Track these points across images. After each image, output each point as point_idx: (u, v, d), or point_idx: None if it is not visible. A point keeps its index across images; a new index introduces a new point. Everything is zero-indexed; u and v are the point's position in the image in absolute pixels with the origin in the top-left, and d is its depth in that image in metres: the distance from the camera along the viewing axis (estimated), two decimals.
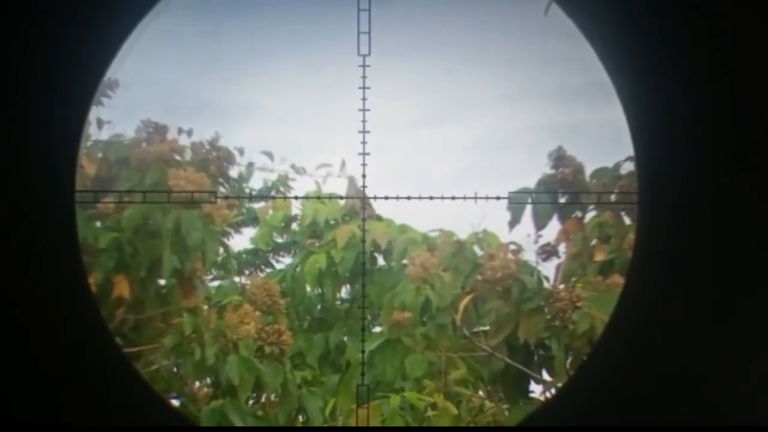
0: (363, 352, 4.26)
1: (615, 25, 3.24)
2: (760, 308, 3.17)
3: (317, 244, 5.85)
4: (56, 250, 3.15)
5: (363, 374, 4.14)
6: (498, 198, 3.88)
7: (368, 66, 3.86)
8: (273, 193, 5.96)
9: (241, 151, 5.60)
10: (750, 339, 3.17)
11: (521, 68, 5.43)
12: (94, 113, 5.27)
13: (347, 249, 5.73)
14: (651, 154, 3.24)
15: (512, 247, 5.26)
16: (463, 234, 5.38)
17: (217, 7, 5.40)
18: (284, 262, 6.20)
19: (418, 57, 5.39)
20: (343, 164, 5.69)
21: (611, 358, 3.24)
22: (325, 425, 5.25)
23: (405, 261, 5.57)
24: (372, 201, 5.75)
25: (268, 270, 6.18)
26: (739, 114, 3.19)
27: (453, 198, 4.00)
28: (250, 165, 5.77)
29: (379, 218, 5.84)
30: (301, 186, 5.92)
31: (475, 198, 3.99)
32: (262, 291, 5.33)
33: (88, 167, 5.11)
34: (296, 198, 5.97)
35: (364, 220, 5.05)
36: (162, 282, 5.22)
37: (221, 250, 5.52)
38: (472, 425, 5.24)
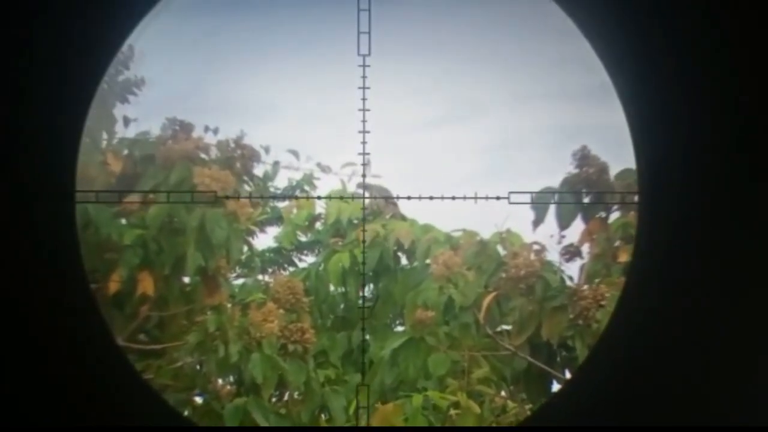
0: (363, 350, 4.23)
1: (615, 25, 3.24)
2: (760, 308, 3.17)
3: (341, 243, 5.86)
4: (56, 250, 3.15)
5: (363, 374, 4.13)
6: (498, 198, 3.88)
7: (368, 66, 3.86)
8: (298, 192, 5.97)
9: (267, 150, 5.61)
10: (750, 339, 3.16)
11: (522, 68, 5.41)
12: (120, 111, 5.32)
13: (371, 248, 5.73)
14: (651, 154, 3.24)
15: (536, 246, 5.26)
16: (486, 234, 5.38)
17: (217, 7, 5.41)
18: (308, 260, 6.21)
19: (418, 57, 5.39)
20: (368, 162, 5.70)
21: (611, 358, 3.24)
22: (348, 425, 5.26)
23: (428, 260, 5.57)
24: (395, 201, 5.79)
25: (292, 269, 6.19)
26: (739, 114, 3.19)
27: (453, 198, 4.00)
28: (276, 163, 5.79)
29: (402, 218, 5.85)
30: (326, 185, 5.92)
31: (475, 198, 3.98)
32: (286, 289, 5.34)
33: (113, 164, 5.14)
34: (319, 198, 5.97)
35: (363, 219, 5.04)
36: (186, 279, 5.24)
37: (245, 248, 5.53)
38: (494, 425, 5.24)
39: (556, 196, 4.97)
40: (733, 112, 3.19)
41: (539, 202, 5.11)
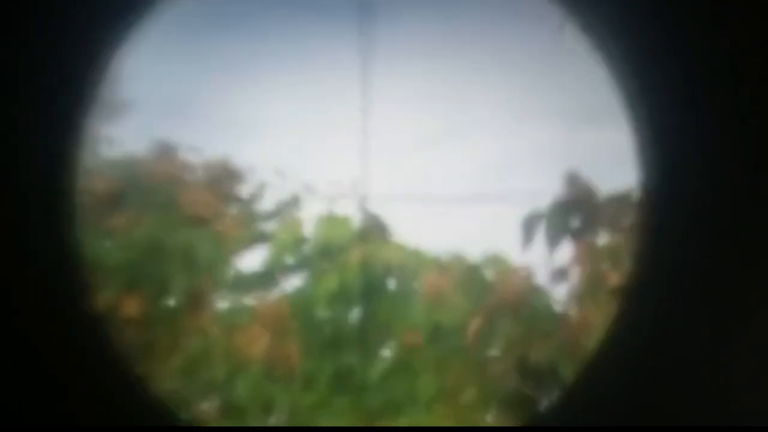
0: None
1: (615, 24, 3.23)
2: (762, 308, 3.16)
3: (327, 267, 5.83)
4: (56, 251, 3.14)
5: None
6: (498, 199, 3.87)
7: (368, 67, 3.85)
8: (284, 213, 5.93)
9: (253, 170, 5.58)
10: (752, 339, 3.15)
11: (525, 72, 5.39)
12: (105, 131, 5.29)
13: (359, 271, 5.70)
14: (652, 155, 3.24)
15: (523, 271, 5.25)
16: (475, 257, 5.36)
17: (216, 7, 5.40)
18: (295, 283, 6.16)
19: (418, 58, 5.37)
20: (354, 183, 5.67)
21: (612, 361, 3.23)
22: None
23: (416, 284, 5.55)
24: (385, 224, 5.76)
25: (279, 291, 6.15)
26: (741, 114, 3.19)
27: (453, 198, 3.99)
28: (262, 185, 5.76)
29: (390, 240, 5.82)
30: (313, 205, 5.88)
31: (475, 199, 3.97)
32: (272, 312, 5.31)
33: (99, 185, 5.12)
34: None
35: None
36: (171, 302, 5.21)
37: (231, 269, 5.50)
38: None
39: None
40: (736, 114, 3.19)
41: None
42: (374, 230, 5.84)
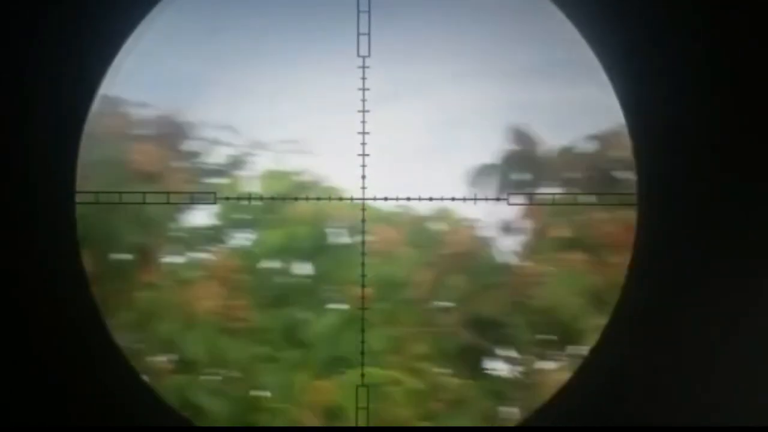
0: (363, 353, 4.21)
1: (614, 27, 3.26)
2: (760, 308, 3.20)
3: (276, 220, 5.82)
4: (56, 250, 3.15)
5: (363, 375, 4.11)
6: (498, 199, 3.91)
7: (368, 67, 3.86)
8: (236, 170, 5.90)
9: (202, 126, 5.56)
10: (750, 339, 3.19)
11: (523, 69, 5.42)
12: None
13: (307, 225, 5.71)
14: (650, 155, 3.27)
15: (474, 223, 5.28)
16: (425, 210, 5.39)
17: (216, 7, 5.37)
18: (245, 237, 6.15)
19: (417, 58, 5.38)
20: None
21: (611, 358, 3.26)
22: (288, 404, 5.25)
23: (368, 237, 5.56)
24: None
25: (230, 246, 6.14)
26: (739, 114, 3.22)
27: (453, 199, 4.01)
28: (213, 140, 5.73)
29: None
30: (263, 161, 5.87)
31: (475, 199, 4.00)
32: (224, 267, 5.31)
33: None
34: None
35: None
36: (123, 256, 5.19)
37: (181, 225, 5.49)
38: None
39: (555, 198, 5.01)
40: (733, 113, 3.22)
41: (539, 203, 5.15)
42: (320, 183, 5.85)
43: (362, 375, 4.02)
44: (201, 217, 5.92)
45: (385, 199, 3.98)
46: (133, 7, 3.23)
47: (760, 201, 3.21)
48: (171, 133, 5.33)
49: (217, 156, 5.80)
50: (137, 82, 5.10)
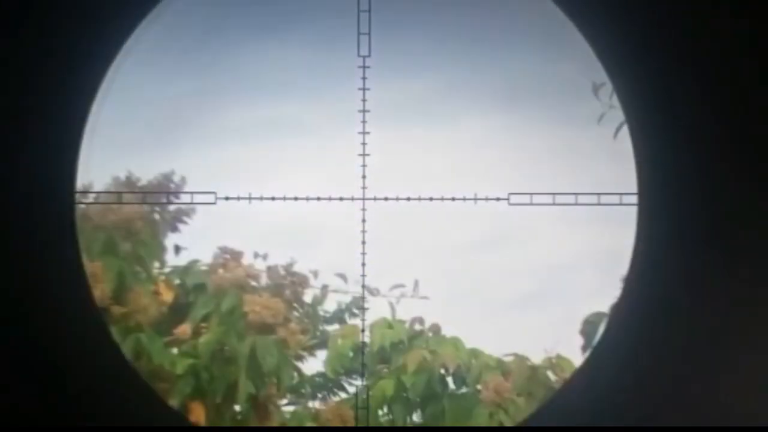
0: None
1: (615, 25, 3.27)
2: (761, 308, 3.15)
3: (386, 370, 5.83)
4: (56, 251, 3.16)
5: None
6: (498, 199, 3.88)
7: (368, 67, 3.89)
8: (347, 316, 5.96)
9: (315, 274, 5.63)
10: (750, 339, 3.15)
11: (522, 68, 5.37)
12: (171, 240, 5.38)
13: (417, 374, 5.71)
14: (651, 154, 3.25)
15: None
16: (536, 359, 5.36)
17: (215, 6, 5.39)
18: (357, 384, 6.16)
19: (418, 58, 5.36)
20: (416, 285, 5.70)
21: (611, 358, 3.22)
22: None
23: (479, 386, 5.54)
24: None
25: (343, 394, 6.15)
26: (739, 113, 3.21)
27: (453, 199, 4.00)
28: (324, 287, 5.80)
29: (443, 337, 5.80)
30: (376, 307, 5.91)
31: (475, 199, 3.98)
32: (336, 416, 5.33)
33: (165, 294, 5.21)
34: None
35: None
36: (237, 408, 5.24)
37: (295, 374, 5.53)
38: None
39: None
40: (733, 112, 3.21)
41: (539, 204, 5.07)
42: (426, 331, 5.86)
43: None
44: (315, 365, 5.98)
45: (386, 199, 3.98)
46: (133, 7, 3.27)
47: (761, 200, 3.16)
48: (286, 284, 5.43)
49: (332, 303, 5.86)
50: None
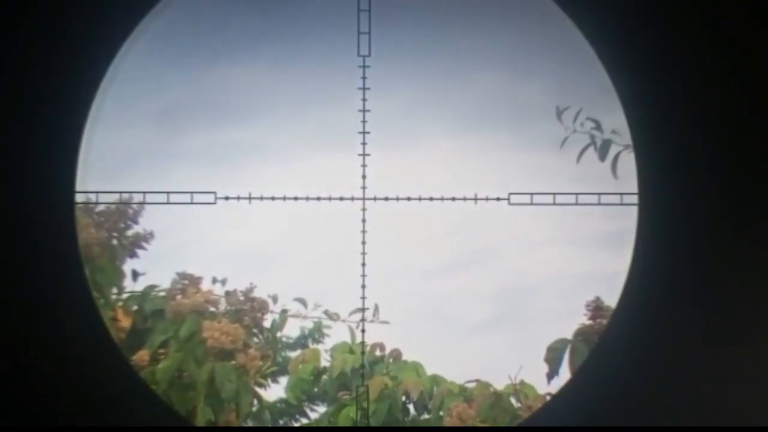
0: None
1: (615, 25, 3.28)
2: (760, 307, 3.16)
3: (347, 397, 5.77)
4: (56, 251, 3.16)
5: None
6: (498, 199, 3.86)
7: (368, 67, 3.87)
8: (309, 341, 5.91)
9: (275, 299, 5.58)
10: (750, 339, 3.15)
11: (522, 68, 5.35)
12: (129, 265, 5.30)
13: (380, 401, 5.65)
14: (651, 154, 3.25)
15: (549, 398, 5.19)
16: (500, 385, 5.32)
17: (216, 5, 5.35)
18: (319, 410, 6.10)
19: (418, 58, 5.33)
20: (377, 309, 5.65)
21: (611, 358, 3.22)
22: None
23: (441, 413, 5.50)
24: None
25: (304, 420, 6.09)
26: (739, 113, 3.22)
27: (453, 199, 3.98)
28: (284, 312, 5.74)
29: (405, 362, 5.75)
30: (337, 333, 5.85)
31: (475, 199, 3.96)
32: None
33: (123, 320, 5.13)
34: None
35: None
36: None
37: (255, 401, 5.47)
38: None
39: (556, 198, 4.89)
40: (734, 113, 3.22)
41: (539, 204, 5.04)
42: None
43: None
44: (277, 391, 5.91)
45: (386, 198, 3.95)
46: (133, 8, 3.26)
47: (762, 200, 3.16)
48: (245, 309, 5.37)
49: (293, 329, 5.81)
50: None
